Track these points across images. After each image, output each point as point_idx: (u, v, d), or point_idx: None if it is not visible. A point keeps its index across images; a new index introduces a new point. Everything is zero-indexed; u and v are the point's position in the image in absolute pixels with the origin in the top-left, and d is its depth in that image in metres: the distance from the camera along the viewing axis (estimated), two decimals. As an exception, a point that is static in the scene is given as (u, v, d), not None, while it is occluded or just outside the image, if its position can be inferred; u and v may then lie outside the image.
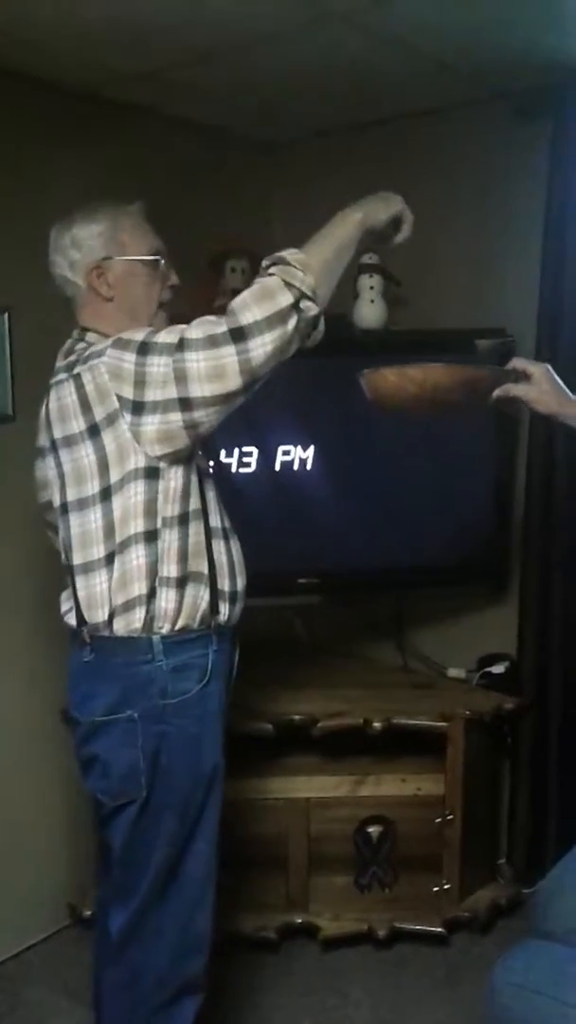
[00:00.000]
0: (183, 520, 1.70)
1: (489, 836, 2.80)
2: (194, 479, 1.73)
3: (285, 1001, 2.38)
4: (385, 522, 2.72)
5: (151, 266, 1.80)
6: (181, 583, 1.71)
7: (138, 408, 1.63)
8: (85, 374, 1.68)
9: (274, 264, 1.62)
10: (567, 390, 1.81)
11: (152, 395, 1.61)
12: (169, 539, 1.69)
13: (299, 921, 2.57)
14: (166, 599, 1.70)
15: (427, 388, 1.78)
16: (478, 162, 2.74)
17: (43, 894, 2.67)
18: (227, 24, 2.09)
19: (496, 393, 1.80)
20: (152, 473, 1.67)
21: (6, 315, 2.43)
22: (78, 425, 1.69)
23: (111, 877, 1.82)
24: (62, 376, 1.74)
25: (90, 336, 1.78)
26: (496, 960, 1.65)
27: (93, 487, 1.69)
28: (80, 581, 1.73)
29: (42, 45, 2.20)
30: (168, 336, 1.62)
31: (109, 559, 1.69)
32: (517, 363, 1.83)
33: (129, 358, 1.63)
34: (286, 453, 2.67)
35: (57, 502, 1.78)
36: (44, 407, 1.80)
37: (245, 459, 2.66)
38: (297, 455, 2.69)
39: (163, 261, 1.82)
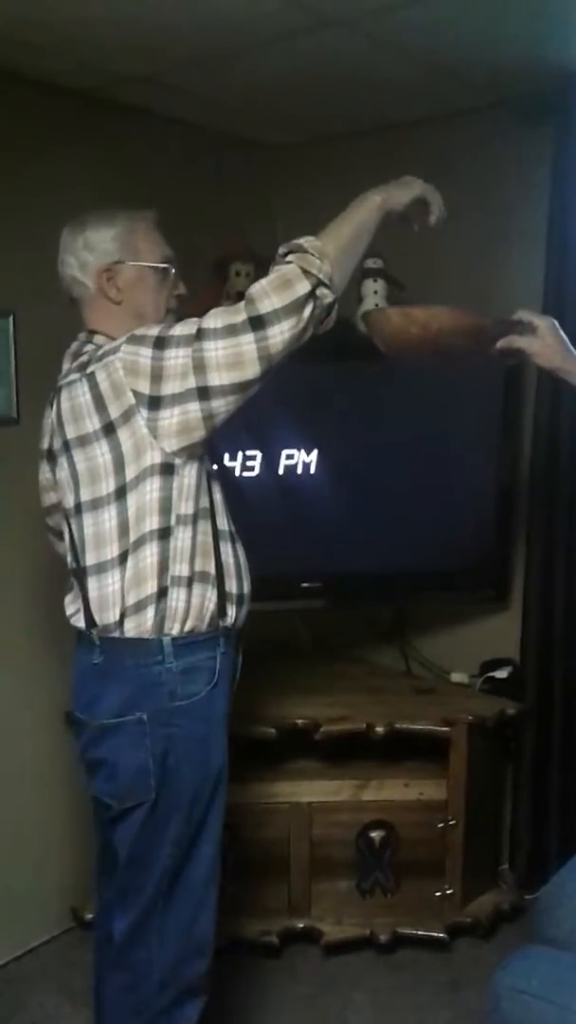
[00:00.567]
0: (195, 518, 1.71)
1: (491, 841, 2.80)
2: (204, 477, 1.73)
3: (287, 1006, 2.38)
4: (388, 526, 2.72)
5: (161, 274, 1.81)
6: (190, 583, 1.71)
7: (155, 403, 1.63)
8: (99, 372, 1.67)
9: (291, 252, 1.63)
10: (571, 347, 1.80)
11: (170, 388, 1.61)
12: (182, 537, 1.70)
13: (301, 926, 2.56)
14: (176, 598, 1.70)
15: (431, 331, 1.76)
16: (480, 168, 2.75)
17: (45, 897, 2.67)
18: (228, 28, 2.10)
19: (500, 343, 1.79)
20: (168, 469, 1.67)
21: (10, 318, 2.44)
22: (92, 424, 1.69)
23: (115, 880, 1.82)
24: (74, 376, 1.73)
25: (98, 338, 1.78)
26: (498, 966, 1.64)
27: (108, 486, 1.69)
28: (92, 582, 1.73)
29: (44, 47, 2.21)
30: (185, 328, 1.63)
31: (123, 558, 1.69)
32: (523, 315, 1.82)
33: (146, 352, 1.63)
34: (290, 457, 2.68)
35: (70, 503, 1.77)
36: (53, 409, 1.80)
37: (249, 463, 2.66)
38: (301, 459, 2.69)
39: (173, 270, 1.83)
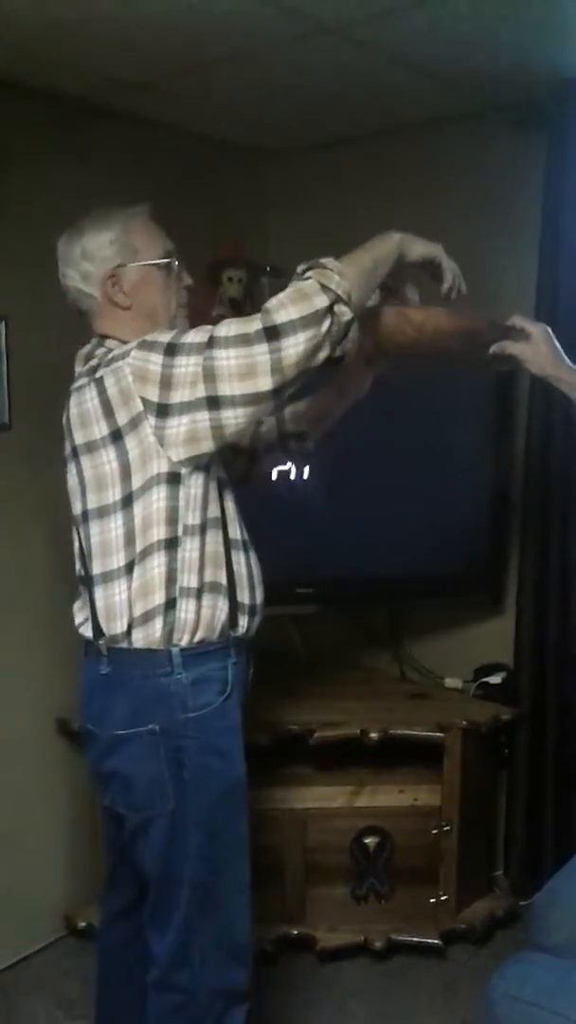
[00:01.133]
0: (203, 528, 1.68)
1: (486, 847, 2.79)
2: (213, 487, 1.70)
3: (281, 1013, 2.37)
4: (382, 531, 2.72)
5: (165, 269, 1.77)
6: (199, 594, 1.68)
7: (163, 411, 1.60)
8: (108, 377, 1.64)
9: (310, 268, 1.60)
10: (564, 355, 1.81)
11: (179, 396, 1.58)
12: (190, 548, 1.67)
13: (295, 932, 2.56)
14: (185, 610, 1.67)
15: (426, 332, 1.75)
16: (474, 174, 2.75)
17: (38, 905, 2.65)
18: (223, 35, 2.10)
19: (493, 348, 1.79)
20: (174, 479, 1.64)
21: (3, 324, 2.43)
22: (100, 431, 1.66)
23: (148, 902, 1.77)
24: (83, 381, 1.70)
25: (110, 342, 1.75)
26: (493, 972, 1.64)
27: (114, 494, 1.66)
28: (99, 591, 1.71)
29: (39, 54, 2.21)
30: (197, 335, 1.60)
31: (129, 568, 1.67)
32: (517, 320, 1.82)
33: (156, 359, 1.60)
34: (283, 462, 2.68)
35: (78, 510, 1.74)
36: (65, 414, 1.76)
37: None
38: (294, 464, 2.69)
39: (176, 263, 1.79)
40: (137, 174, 2.63)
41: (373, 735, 2.52)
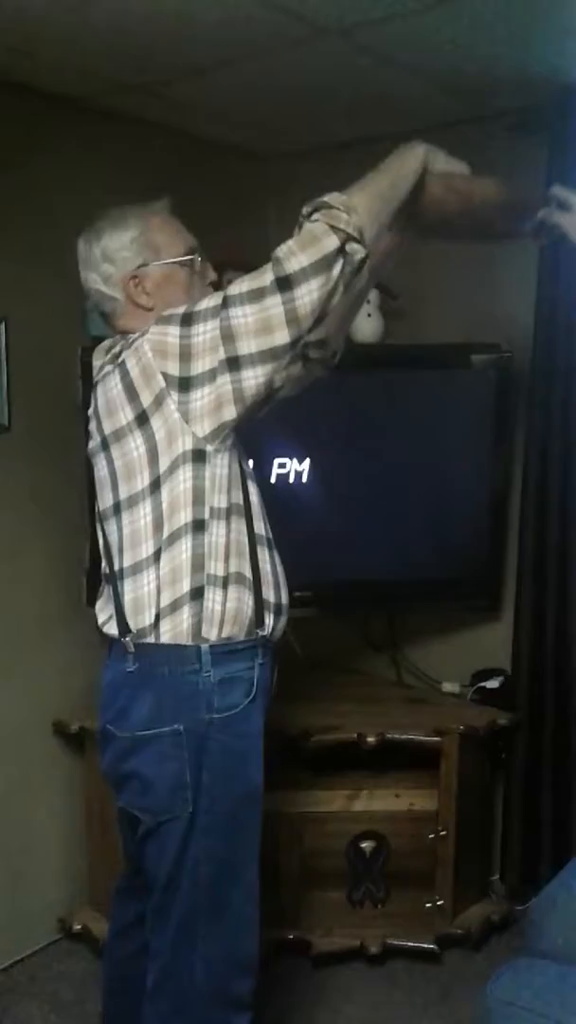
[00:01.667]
0: (228, 513, 1.66)
1: (482, 852, 2.79)
2: (236, 471, 1.68)
3: (277, 1017, 2.36)
4: (381, 536, 2.72)
5: (189, 266, 1.74)
6: (225, 583, 1.66)
7: (185, 384, 1.58)
8: (129, 359, 1.63)
9: (316, 209, 1.56)
10: None
11: (200, 366, 1.56)
12: (216, 532, 1.65)
13: (291, 936, 2.55)
14: (212, 599, 1.65)
15: (473, 202, 1.71)
16: (475, 178, 2.75)
17: (33, 908, 2.65)
18: (225, 38, 2.10)
19: (541, 214, 1.76)
20: (199, 456, 1.62)
21: (2, 325, 2.43)
22: (126, 416, 1.64)
23: (152, 901, 1.75)
24: (107, 369, 1.68)
25: (132, 336, 1.71)
26: (489, 977, 1.64)
27: (143, 480, 1.64)
28: (128, 584, 1.68)
29: (38, 56, 2.21)
30: (211, 300, 1.58)
31: (157, 556, 1.64)
32: (559, 192, 1.78)
33: (174, 331, 1.58)
34: (282, 466, 2.68)
35: (108, 503, 1.71)
36: (92, 406, 1.74)
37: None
38: (293, 468, 2.69)
39: (199, 258, 1.77)
40: (138, 176, 2.62)
41: (370, 739, 2.52)
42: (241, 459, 1.72)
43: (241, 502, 1.69)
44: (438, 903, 2.59)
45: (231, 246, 2.81)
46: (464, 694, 2.86)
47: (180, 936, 1.70)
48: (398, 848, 2.58)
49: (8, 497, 2.50)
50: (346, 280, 1.56)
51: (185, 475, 1.63)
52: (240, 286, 1.56)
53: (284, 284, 1.52)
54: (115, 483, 1.69)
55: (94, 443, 1.74)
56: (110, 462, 1.69)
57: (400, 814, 2.58)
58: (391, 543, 2.72)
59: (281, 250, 1.54)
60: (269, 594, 1.73)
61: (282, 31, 2.06)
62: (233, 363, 1.56)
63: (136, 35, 2.08)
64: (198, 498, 1.64)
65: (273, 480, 2.67)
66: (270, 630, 1.74)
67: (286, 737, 2.53)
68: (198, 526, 1.64)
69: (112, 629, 1.72)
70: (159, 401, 1.60)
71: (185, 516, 1.63)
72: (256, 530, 1.72)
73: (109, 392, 1.67)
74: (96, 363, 1.77)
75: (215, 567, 1.65)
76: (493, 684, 2.80)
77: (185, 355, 1.57)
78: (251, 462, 1.81)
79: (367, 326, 2.79)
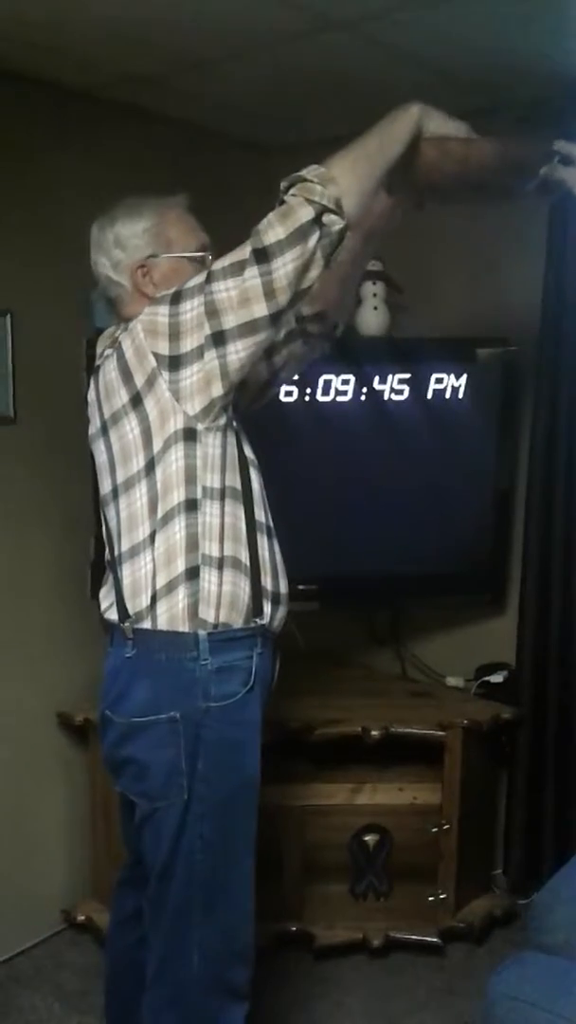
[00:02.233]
0: (222, 494, 1.66)
1: (485, 846, 2.79)
2: (232, 454, 1.68)
3: (278, 1010, 2.37)
4: (385, 529, 2.72)
5: (198, 263, 1.73)
6: (221, 565, 1.66)
7: (175, 363, 1.59)
8: (125, 340, 1.65)
9: (292, 184, 1.56)
10: None
11: (188, 343, 1.57)
12: (209, 512, 1.65)
13: (293, 929, 2.55)
14: (208, 580, 1.65)
15: (470, 166, 1.67)
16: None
17: (38, 898, 2.66)
18: (229, 30, 2.09)
19: (543, 171, 1.70)
20: (191, 435, 1.63)
21: (8, 317, 2.43)
22: (121, 399, 1.65)
23: (148, 891, 1.76)
24: (108, 352, 1.70)
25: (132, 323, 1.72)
26: (490, 971, 1.64)
27: (139, 462, 1.65)
28: (126, 568, 1.69)
29: (44, 47, 2.20)
30: (198, 278, 1.59)
31: (153, 537, 1.65)
32: (562, 146, 1.73)
33: (163, 311, 1.59)
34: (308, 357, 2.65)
35: (107, 488, 1.72)
36: (93, 392, 1.74)
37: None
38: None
39: (210, 257, 1.75)
40: (143, 169, 2.62)
41: (374, 733, 2.52)
42: (242, 444, 1.72)
43: (239, 486, 1.69)
44: (441, 897, 2.59)
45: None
46: (468, 688, 2.86)
47: (176, 925, 1.71)
48: (401, 841, 2.58)
49: (13, 488, 2.51)
50: (325, 251, 1.55)
51: (177, 454, 1.63)
52: (223, 261, 1.57)
53: (261, 256, 1.52)
54: (113, 467, 1.70)
55: (94, 429, 1.75)
56: (108, 447, 1.70)
57: (403, 807, 2.58)
58: (396, 537, 2.72)
59: (261, 223, 1.55)
60: (267, 582, 1.73)
61: (288, 23, 2.06)
62: (218, 338, 1.57)
63: (143, 28, 2.07)
64: (190, 477, 1.64)
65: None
66: (268, 619, 1.74)
67: (290, 730, 2.53)
68: (191, 505, 1.65)
69: (113, 615, 1.74)
70: (151, 381, 1.62)
71: (178, 496, 1.64)
72: (257, 517, 1.72)
73: (107, 375, 1.68)
74: (99, 349, 1.78)
75: (209, 547, 1.66)
76: (497, 678, 2.80)
77: (174, 334, 1.58)
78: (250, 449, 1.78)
79: (373, 319, 2.79)
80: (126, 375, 1.64)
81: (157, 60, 2.30)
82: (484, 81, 2.43)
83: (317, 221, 1.53)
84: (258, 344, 1.60)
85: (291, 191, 1.55)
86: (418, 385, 2.70)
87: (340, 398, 2.69)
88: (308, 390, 2.66)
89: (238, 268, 1.54)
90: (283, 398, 2.63)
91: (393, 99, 1.59)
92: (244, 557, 1.70)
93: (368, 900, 2.60)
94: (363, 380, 2.68)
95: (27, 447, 2.50)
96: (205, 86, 2.49)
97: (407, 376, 2.69)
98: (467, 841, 2.61)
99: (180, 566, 1.65)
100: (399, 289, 2.79)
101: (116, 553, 1.72)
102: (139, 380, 1.63)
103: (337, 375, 2.66)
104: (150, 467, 1.65)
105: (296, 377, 2.50)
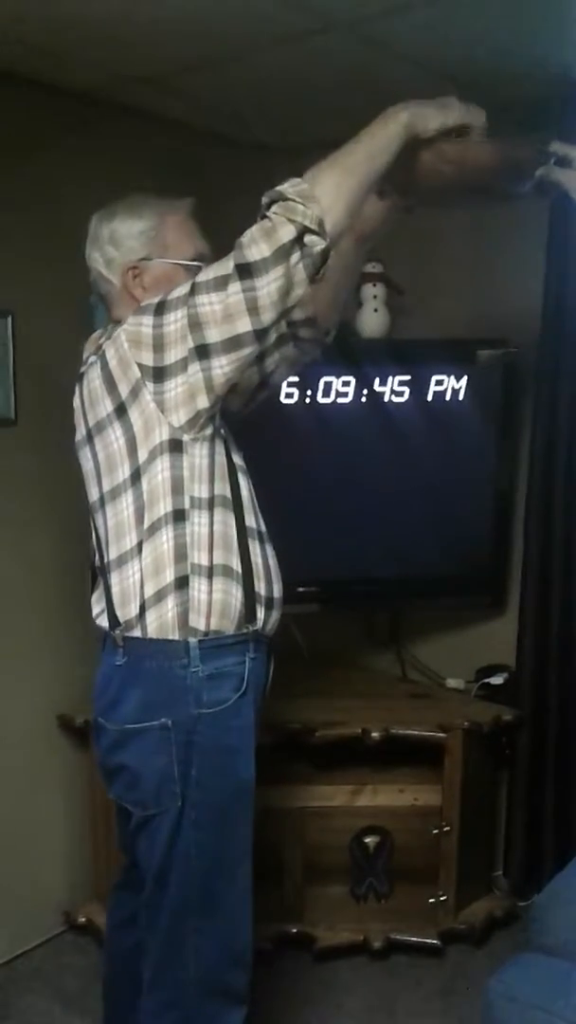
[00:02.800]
0: (211, 504, 1.65)
1: (486, 848, 2.79)
2: (221, 462, 1.67)
3: (279, 1012, 2.37)
4: (385, 532, 2.72)
5: (192, 271, 1.69)
6: (211, 574, 1.65)
7: (159, 374, 1.58)
8: (108, 349, 1.64)
9: (273, 201, 1.53)
10: None
11: (172, 355, 1.56)
12: (198, 522, 1.64)
13: (294, 931, 2.55)
14: (198, 589, 1.64)
15: (465, 168, 1.64)
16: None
17: (37, 900, 2.66)
18: (229, 31, 2.09)
19: (539, 172, 1.68)
20: (176, 446, 1.62)
21: (9, 319, 2.43)
22: (105, 408, 1.64)
23: (144, 896, 1.75)
24: (92, 359, 1.69)
25: (116, 327, 1.70)
26: (491, 973, 1.64)
27: (124, 471, 1.65)
28: (115, 576, 1.68)
29: (43, 48, 2.20)
30: (182, 288, 1.57)
31: (140, 547, 1.64)
32: (558, 147, 1.72)
33: (147, 321, 1.58)
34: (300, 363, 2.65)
35: (95, 496, 1.72)
36: (78, 399, 1.74)
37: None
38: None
39: (203, 260, 1.73)
40: (143, 169, 2.62)
41: (374, 735, 2.52)
42: (230, 451, 1.71)
43: (228, 494, 1.68)
44: (441, 898, 2.59)
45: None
46: (468, 690, 2.86)
47: (173, 929, 1.71)
48: (401, 843, 2.58)
49: (14, 490, 2.51)
50: (308, 271, 1.53)
51: (163, 465, 1.62)
52: (207, 273, 1.55)
53: (245, 272, 1.50)
54: (99, 476, 1.70)
55: (79, 436, 1.74)
56: (94, 455, 1.70)
57: (404, 809, 2.58)
58: (396, 539, 2.72)
59: (244, 237, 1.53)
60: (260, 587, 1.72)
61: (289, 24, 2.06)
62: (202, 351, 1.55)
63: (143, 29, 2.07)
64: (177, 488, 1.63)
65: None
66: (262, 624, 1.73)
67: (290, 732, 2.53)
68: (179, 516, 1.63)
69: (104, 622, 1.73)
70: (135, 392, 1.61)
71: (164, 506, 1.63)
72: (247, 523, 1.71)
73: (91, 383, 1.67)
74: (84, 355, 1.77)
75: (199, 557, 1.64)
76: (497, 680, 2.80)
77: (158, 345, 1.57)
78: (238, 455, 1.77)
79: (373, 321, 2.79)
80: (110, 384, 1.63)
81: (158, 61, 2.30)
82: (484, 81, 2.42)
83: (298, 241, 1.50)
84: (243, 359, 1.58)
85: (273, 208, 1.52)
86: (418, 387, 2.70)
87: (340, 400, 2.70)
88: (308, 392, 2.66)
89: (222, 282, 1.52)
90: (283, 400, 2.63)
91: (393, 100, 1.60)
92: (236, 564, 1.68)
93: (368, 902, 2.60)
94: (363, 382, 2.68)
95: (28, 449, 2.50)
96: (206, 87, 2.49)
97: (407, 378, 2.70)
98: (467, 843, 2.61)
99: (168, 576, 1.64)
100: (399, 291, 2.80)
101: (105, 560, 1.71)
102: (123, 390, 1.62)
103: (337, 377, 2.67)
104: (136, 477, 1.64)
105: (295, 379, 2.50)
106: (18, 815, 2.59)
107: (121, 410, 1.63)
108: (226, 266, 1.52)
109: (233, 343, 1.54)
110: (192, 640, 1.65)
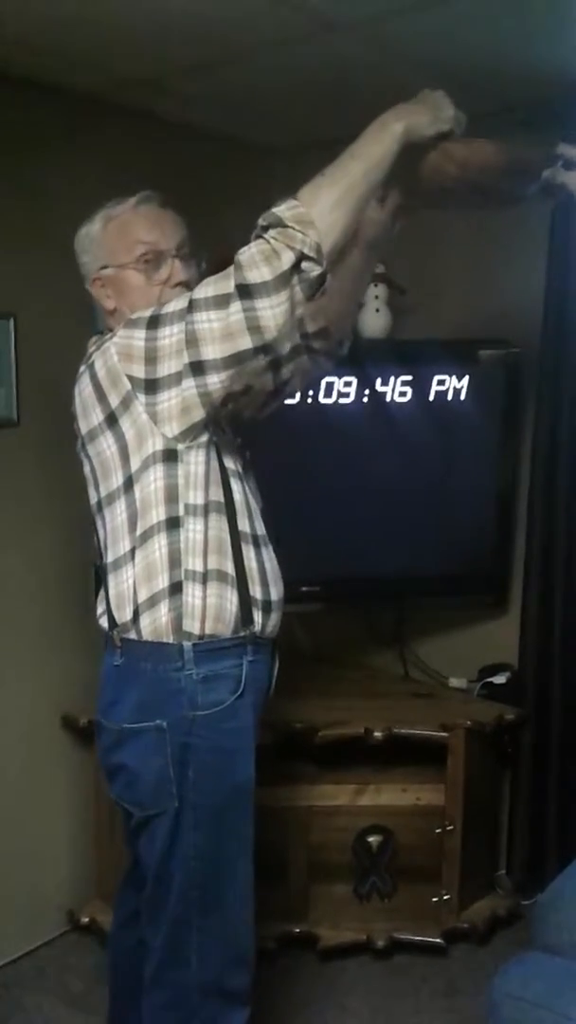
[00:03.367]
0: (206, 510, 1.65)
1: (489, 847, 2.80)
2: (216, 469, 1.67)
3: (282, 1011, 2.37)
4: (388, 531, 2.73)
5: (144, 265, 1.70)
6: (205, 579, 1.65)
7: (151, 386, 1.58)
8: (97, 360, 1.64)
9: (271, 225, 1.52)
10: None
11: (166, 369, 1.56)
12: (193, 529, 1.64)
13: (298, 930, 2.56)
14: (192, 595, 1.64)
15: (471, 169, 1.64)
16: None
17: (41, 900, 2.66)
18: (230, 32, 2.09)
19: (545, 174, 1.68)
20: (171, 456, 1.62)
21: (11, 321, 2.43)
22: (96, 417, 1.65)
23: (145, 895, 1.76)
24: (82, 368, 1.70)
25: (106, 336, 1.71)
26: (495, 972, 1.64)
27: (117, 479, 1.66)
28: (111, 580, 1.69)
29: (44, 49, 2.20)
30: (178, 303, 1.57)
31: (133, 553, 1.65)
32: (565, 150, 1.71)
33: (139, 335, 1.58)
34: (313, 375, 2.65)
35: (94, 500, 1.73)
36: (73, 406, 1.74)
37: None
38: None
39: (152, 258, 1.70)
40: (145, 170, 2.61)
41: (377, 734, 2.53)
42: (224, 456, 1.70)
43: (221, 499, 1.68)
44: (444, 897, 2.59)
45: (221, 246, 2.81)
46: (471, 689, 2.86)
47: (174, 930, 1.71)
48: (405, 842, 2.58)
49: (17, 491, 2.51)
50: (305, 293, 1.53)
51: (156, 475, 1.63)
52: (206, 290, 1.54)
53: (245, 292, 1.50)
54: (96, 481, 1.71)
55: (79, 442, 1.75)
56: (89, 461, 1.72)
57: (407, 808, 2.59)
58: (399, 538, 2.72)
59: (243, 256, 1.52)
60: (256, 591, 1.72)
61: (290, 25, 2.06)
62: (197, 367, 1.55)
63: (143, 30, 2.07)
64: (171, 496, 1.63)
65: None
66: (260, 627, 1.73)
67: (293, 731, 2.54)
68: (172, 523, 1.64)
69: (104, 622, 1.74)
70: (126, 403, 1.61)
71: (157, 515, 1.64)
72: (240, 528, 1.70)
73: (82, 392, 1.68)
74: (81, 363, 1.76)
75: (193, 563, 1.65)
76: (500, 679, 2.81)
77: (151, 358, 1.57)
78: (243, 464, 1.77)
79: (375, 321, 2.79)
80: (100, 394, 1.64)
81: (159, 63, 2.30)
82: (486, 84, 2.43)
83: (296, 267, 1.50)
84: (245, 373, 1.57)
85: (271, 232, 1.52)
86: (420, 387, 2.71)
87: (343, 400, 2.70)
88: (311, 392, 2.67)
89: (223, 301, 1.51)
90: (285, 400, 2.63)
91: (393, 102, 1.60)
92: (230, 569, 1.68)
93: (372, 901, 2.60)
94: (365, 382, 2.69)
95: (30, 450, 2.51)
96: (206, 88, 2.49)
97: (409, 378, 2.70)
98: (471, 842, 2.61)
99: (161, 583, 1.64)
100: (401, 291, 2.80)
101: (105, 562, 1.72)
102: (113, 401, 1.62)
103: (339, 377, 2.67)
104: (128, 485, 1.65)
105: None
106: (22, 815, 2.60)
107: (112, 419, 1.63)
108: (226, 285, 1.51)
109: (234, 359, 1.54)
110: (187, 644, 1.65)
